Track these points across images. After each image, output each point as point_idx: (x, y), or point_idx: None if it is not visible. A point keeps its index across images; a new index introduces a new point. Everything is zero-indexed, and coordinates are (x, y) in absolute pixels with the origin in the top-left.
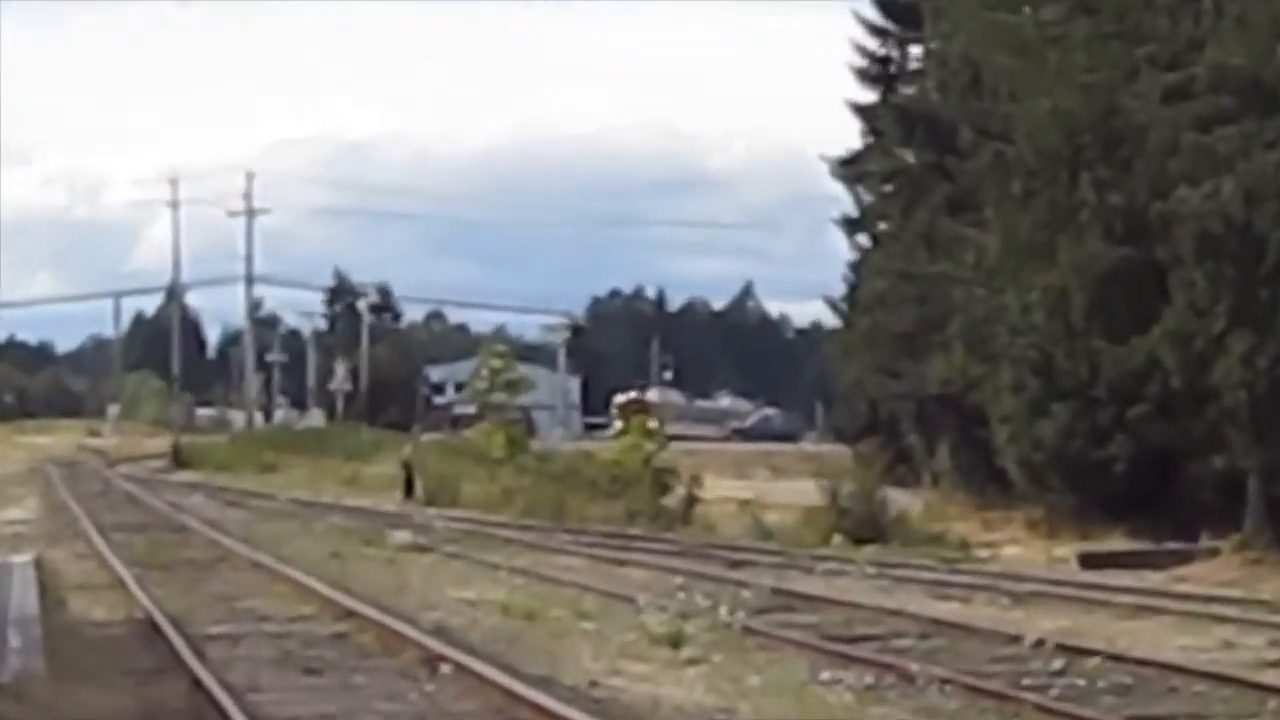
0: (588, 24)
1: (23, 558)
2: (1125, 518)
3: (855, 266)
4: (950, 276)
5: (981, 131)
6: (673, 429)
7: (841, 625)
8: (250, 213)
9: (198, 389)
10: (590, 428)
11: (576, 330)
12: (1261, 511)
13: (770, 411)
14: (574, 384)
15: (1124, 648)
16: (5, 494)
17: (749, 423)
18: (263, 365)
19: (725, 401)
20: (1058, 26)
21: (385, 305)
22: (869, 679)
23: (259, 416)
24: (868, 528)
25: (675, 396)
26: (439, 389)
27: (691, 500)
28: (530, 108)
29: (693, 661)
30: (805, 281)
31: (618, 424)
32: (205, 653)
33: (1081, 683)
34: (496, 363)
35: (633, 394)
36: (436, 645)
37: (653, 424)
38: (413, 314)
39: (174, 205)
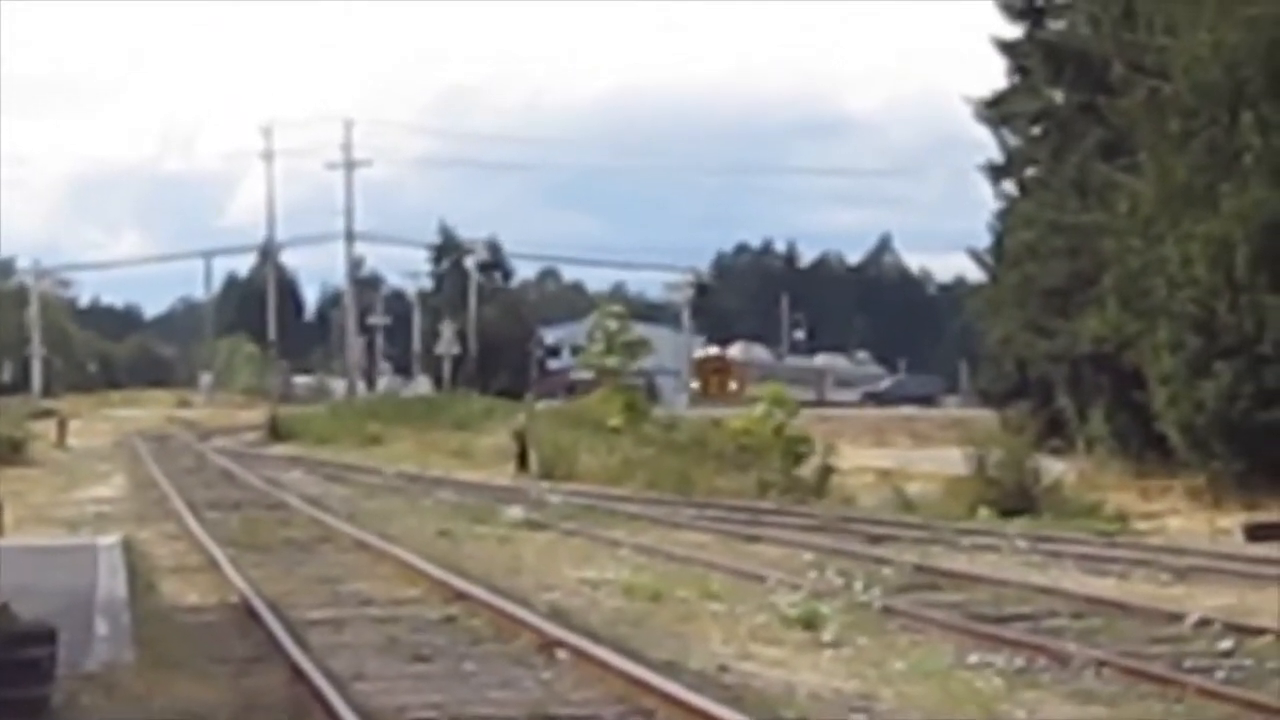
0: None
1: (109, 539)
2: None
3: (1001, 216)
4: (1103, 226)
5: (1135, 68)
6: (758, 391)
7: (990, 604)
8: (349, 164)
9: (295, 355)
10: None
11: (701, 288)
12: None
13: (873, 368)
14: (699, 346)
15: None
16: (90, 471)
17: (883, 385)
18: (364, 329)
19: (820, 359)
20: None
21: (495, 262)
22: (1020, 662)
23: (361, 384)
24: (1017, 499)
25: (761, 353)
26: (553, 352)
27: (827, 471)
28: (651, 47)
29: (830, 644)
30: (948, 233)
31: (693, 384)
32: (306, 639)
33: (1250, 664)
34: (612, 323)
35: (712, 350)
36: (554, 629)
37: (732, 385)
38: (525, 271)
39: (268, 157)
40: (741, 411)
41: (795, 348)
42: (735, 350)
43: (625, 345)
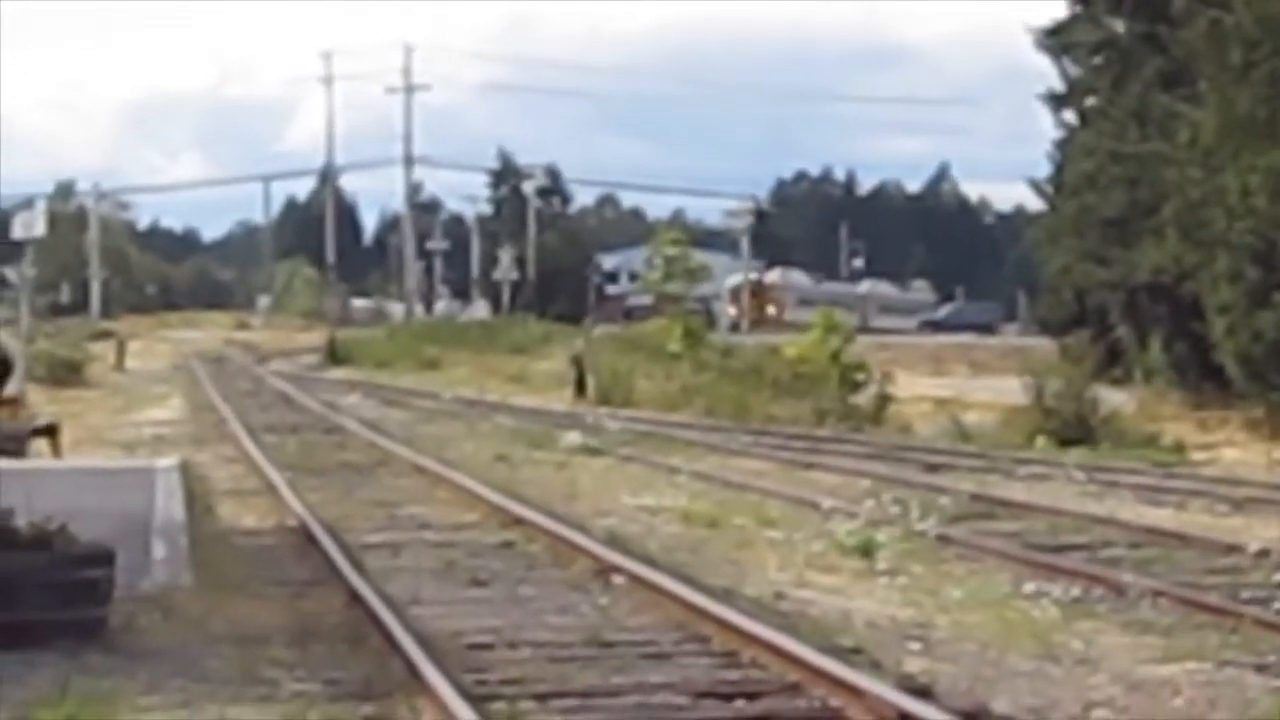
0: None
1: (167, 461)
2: None
3: (1061, 146)
4: (1163, 156)
5: None
6: (797, 316)
7: (1046, 534)
8: (409, 89)
9: (353, 278)
10: None
11: (760, 215)
12: None
13: (923, 295)
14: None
15: None
16: (148, 393)
17: (942, 313)
18: (423, 253)
19: (863, 285)
20: None
21: (554, 188)
22: (1076, 591)
23: (419, 308)
24: (1075, 428)
25: (800, 278)
26: (612, 278)
27: (884, 399)
28: None
29: (885, 573)
30: (1007, 162)
31: (730, 310)
32: (363, 563)
33: None
34: (672, 249)
35: (750, 275)
36: (610, 555)
37: (770, 310)
38: (583, 198)
39: (328, 82)
40: (796, 338)
41: (854, 275)
42: (773, 275)
43: (686, 271)
